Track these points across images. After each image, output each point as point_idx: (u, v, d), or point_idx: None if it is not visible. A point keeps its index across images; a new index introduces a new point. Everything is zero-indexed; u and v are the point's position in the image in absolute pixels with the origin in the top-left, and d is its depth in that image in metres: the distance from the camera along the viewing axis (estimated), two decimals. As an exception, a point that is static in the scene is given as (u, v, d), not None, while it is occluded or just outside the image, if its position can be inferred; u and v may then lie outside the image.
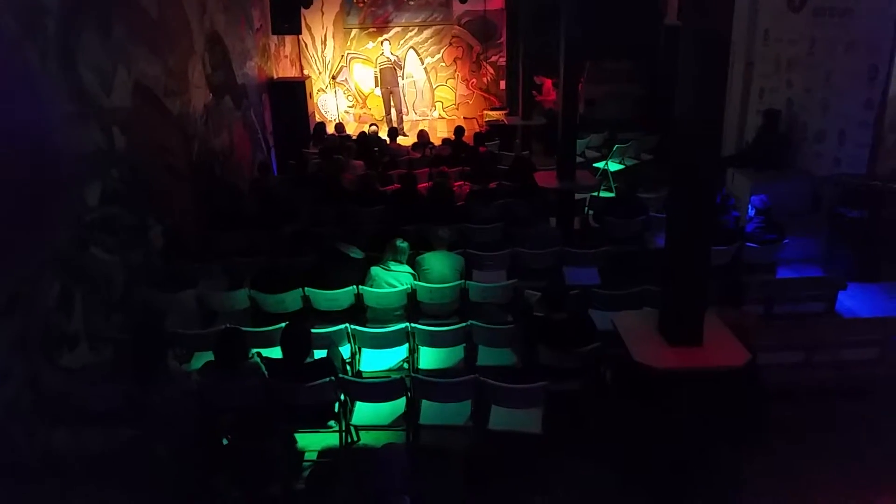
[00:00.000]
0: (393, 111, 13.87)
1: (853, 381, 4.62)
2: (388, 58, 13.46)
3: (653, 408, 4.30)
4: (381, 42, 13.71)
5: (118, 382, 4.45)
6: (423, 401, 4.47)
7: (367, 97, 14.60)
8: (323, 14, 13.89)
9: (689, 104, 4.04)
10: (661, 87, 12.16)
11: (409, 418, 4.46)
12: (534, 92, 12.72)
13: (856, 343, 4.69)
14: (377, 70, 13.67)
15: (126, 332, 5.42)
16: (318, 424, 4.52)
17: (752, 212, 6.31)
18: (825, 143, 7.97)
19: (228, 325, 4.69)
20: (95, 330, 5.23)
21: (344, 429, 4.50)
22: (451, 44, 14.30)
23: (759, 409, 4.45)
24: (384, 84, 13.62)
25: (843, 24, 7.58)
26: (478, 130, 12.60)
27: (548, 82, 12.75)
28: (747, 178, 8.08)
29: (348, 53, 14.27)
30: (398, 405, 4.49)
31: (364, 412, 4.55)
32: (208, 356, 4.66)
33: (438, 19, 14.17)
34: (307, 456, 4.61)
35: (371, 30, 14.15)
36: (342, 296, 5.53)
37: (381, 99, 13.95)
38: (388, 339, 5.09)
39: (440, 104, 14.72)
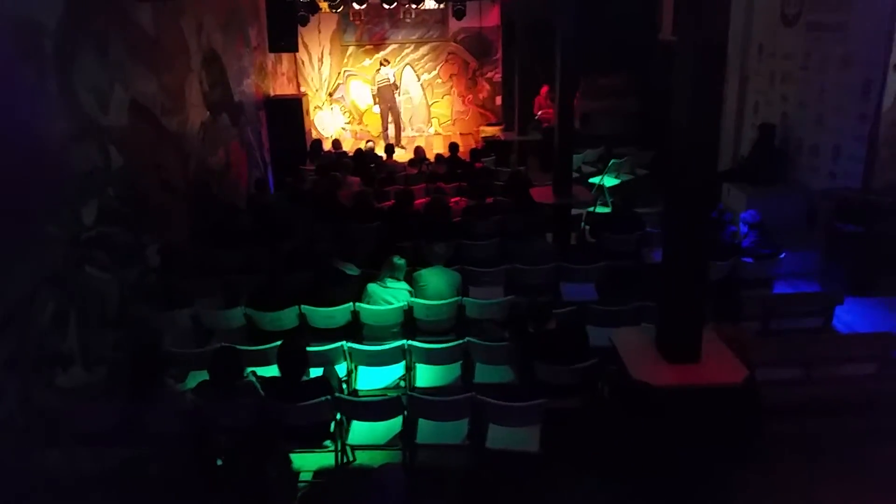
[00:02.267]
0: (391, 127, 13.95)
1: (851, 396, 4.59)
2: (386, 77, 13.60)
3: (651, 425, 4.27)
4: (381, 61, 13.82)
5: (113, 402, 4.41)
6: (420, 419, 4.44)
7: (363, 114, 14.65)
8: (320, 32, 13.98)
9: (684, 119, 4.07)
10: (656, 102, 12.21)
11: (405, 437, 4.42)
12: (535, 110, 12.72)
13: (854, 358, 4.67)
14: (374, 88, 13.79)
15: (121, 351, 5.40)
16: (314, 444, 4.48)
17: (744, 228, 6.31)
18: (820, 158, 8.00)
19: (223, 344, 4.66)
20: (90, 349, 5.20)
21: (340, 448, 4.47)
22: (447, 60, 14.39)
23: (756, 426, 4.43)
24: (383, 101, 13.75)
25: (836, 38, 7.63)
26: (474, 146, 12.64)
27: (544, 88, 12.70)
28: (743, 192, 8.10)
29: (345, 71, 14.34)
30: (395, 424, 4.45)
31: (360, 431, 4.50)
32: (203, 375, 4.63)
33: (434, 36, 14.27)
34: (302, 476, 4.57)
35: (368, 47, 14.23)
36: (338, 313, 5.51)
37: (380, 115, 14.02)
38: (385, 356, 5.06)
39: (436, 120, 14.77)
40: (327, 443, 4.44)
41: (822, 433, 4.50)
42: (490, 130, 13.71)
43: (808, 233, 7.37)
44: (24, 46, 4.78)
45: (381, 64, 13.79)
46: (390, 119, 13.94)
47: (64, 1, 5.23)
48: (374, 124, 14.56)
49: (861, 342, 4.98)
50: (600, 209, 9.22)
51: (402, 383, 5.15)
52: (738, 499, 4.20)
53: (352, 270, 5.87)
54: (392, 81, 13.64)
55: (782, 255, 6.16)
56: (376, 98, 13.90)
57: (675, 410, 4.18)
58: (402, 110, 14.31)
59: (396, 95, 13.92)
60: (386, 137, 13.83)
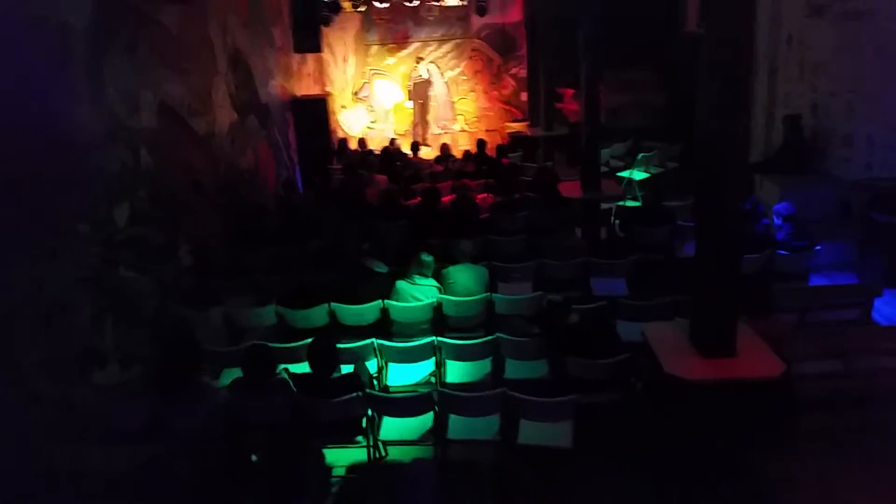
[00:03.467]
0: (421, 124, 14.11)
1: (891, 389, 4.49)
2: (420, 74, 13.94)
3: (685, 420, 4.22)
4: (417, 60, 14.06)
5: (148, 399, 4.47)
6: (451, 415, 4.44)
7: (388, 112, 14.69)
8: (343, 32, 14.03)
9: (711, 112, 4.01)
10: (683, 94, 12.07)
11: (437, 433, 4.42)
12: (556, 103, 12.70)
13: (893, 350, 4.56)
14: (410, 84, 14.08)
15: (156, 349, 5.47)
16: (346, 440, 4.50)
17: (777, 220, 6.20)
18: (854, 148, 7.83)
19: (256, 342, 4.70)
20: (125, 348, 5.28)
21: (372, 444, 4.48)
22: (471, 57, 14.35)
23: (792, 419, 4.35)
24: (416, 98, 14.02)
25: (866, 28, 7.46)
26: (500, 142, 12.59)
27: (569, 92, 12.70)
28: (776, 184, 7.96)
29: (370, 69, 14.39)
30: (426, 420, 4.45)
31: (392, 427, 4.51)
32: (237, 373, 4.68)
33: (457, 33, 14.24)
34: (335, 472, 4.59)
35: (391, 46, 14.26)
36: (368, 310, 5.53)
37: (412, 112, 14.25)
38: (415, 353, 5.07)
39: (462, 117, 14.75)
40: (359, 438, 4.46)
41: (860, 425, 4.41)
42: (516, 126, 13.65)
43: (844, 224, 7.22)
44: (53, 48, 4.86)
45: (416, 61, 14.04)
46: (423, 115, 14.09)
47: (92, 3, 5.30)
48: (399, 122, 14.60)
49: (901, 334, 4.87)
50: (630, 203, 9.12)
51: (433, 379, 5.15)
52: (773, 492, 4.12)
53: (381, 268, 5.88)
54: (426, 78, 13.87)
55: (817, 248, 6.04)
56: (411, 94, 14.13)
57: (709, 405, 4.12)
58: (429, 108, 14.40)
59: (430, 92, 14.07)
60: (416, 134, 13.93)
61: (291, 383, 4.43)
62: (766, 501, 4.09)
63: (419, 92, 14.00)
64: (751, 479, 4.16)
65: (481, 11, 11.36)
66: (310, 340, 4.71)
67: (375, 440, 4.49)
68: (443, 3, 10.50)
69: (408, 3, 9.34)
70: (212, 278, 6.40)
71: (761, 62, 9.54)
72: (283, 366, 4.67)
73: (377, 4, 9.73)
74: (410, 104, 14.24)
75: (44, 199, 4.63)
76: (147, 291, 5.78)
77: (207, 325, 5.63)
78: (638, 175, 9.90)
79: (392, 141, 11.99)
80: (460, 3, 13.06)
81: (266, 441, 4.40)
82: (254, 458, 4.38)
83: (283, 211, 8.30)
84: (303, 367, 4.67)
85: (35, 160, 4.58)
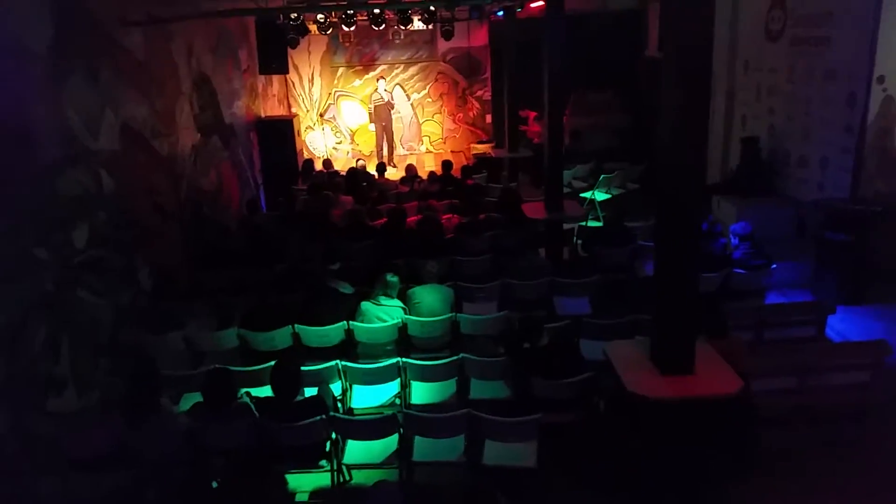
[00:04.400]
0: (385, 146, 14.05)
1: (845, 405, 4.61)
2: (381, 95, 13.79)
3: (646, 437, 4.27)
4: (377, 79, 14.01)
5: (107, 426, 4.37)
6: (416, 437, 4.42)
7: (354, 133, 14.72)
8: (310, 54, 14.08)
9: (671, 134, 4.11)
10: (644, 116, 12.34)
11: (402, 455, 4.40)
12: (521, 126, 12.88)
13: (846, 367, 4.69)
14: (371, 107, 13.96)
15: (114, 374, 5.36)
16: (310, 464, 4.45)
17: (734, 240, 6.36)
18: (808, 169, 8.08)
19: (217, 366, 4.63)
20: (83, 373, 5.16)
21: (336, 468, 4.44)
22: (436, 80, 14.51)
23: (752, 436, 4.43)
24: (378, 120, 13.89)
25: (820, 52, 7.75)
26: (465, 164, 12.70)
27: (532, 115, 12.91)
28: (733, 204, 8.16)
29: (335, 91, 14.43)
30: (391, 442, 4.43)
31: (356, 450, 4.48)
32: (197, 397, 4.60)
33: (424, 56, 14.40)
34: (298, 497, 4.53)
35: (357, 68, 14.33)
36: (332, 332, 5.50)
37: (375, 134, 14.15)
38: (380, 374, 5.05)
39: (427, 138, 14.86)
40: (323, 463, 4.41)
41: (816, 441, 4.51)
42: (481, 148, 13.79)
43: (799, 243, 7.42)
44: (12, 70, 4.80)
45: (377, 80, 13.96)
46: (385, 139, 14.03)
47: (53, 25, 5.25)
48: (365, 143, 14.62)
49: (854, 350, 5.01)
50: (592, 223, 9.25)
51: (398, 401, 5.13)
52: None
53: (346, 289, 5.86)
54: (387, 101, 13.78)
55: (773, 266, 6.20)
56: (372, 116, 14.02)
57: (670, 422, 4.18)
58: (393, 129, 14.42)
59: (393, 114, 14.05)
60: (380, 156, 13.91)
61: (253, 407, 4.38)
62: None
63: (380, 114, 13.86)
64: (712, 497, 4.22)
65: (447, 35, 11.50)
66: (273, 363, 4.66)
67: (339, 464, 4.45)
68: (410, 27, 10.62)
69: (375, 27, 9.43)
70: (172, 301, 6.30)
71: (719, 85, 9.82)
72: (244, 389, 4.61)
73: (344, 28, 9.78)
74: (373, 127, 14.20)
75: (-1, 222, 4.54)
76: (105, 315, 5.67)
77: (167, 349, 5.54)
78: (600, 196, 10.06)
79: (357, 161, 12.00)
80: (427, 28, 13.22)
81: (227, 467, 4.33)
82: (214, 484, 4.30)
83: (247, 231, 8.23)
84: (265, 391, 4.62)
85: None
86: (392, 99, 14.06)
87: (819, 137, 7.86)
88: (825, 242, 6.82)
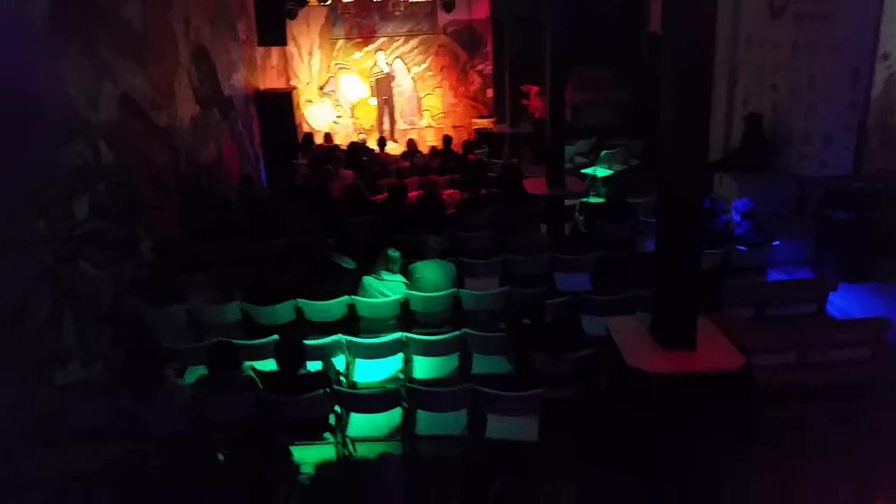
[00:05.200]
0: (386, 120, 13.99)
1: (846, 381, 4.64)
2: (381, 68, 13.68)
3: (647, 412, 4.31)
4: (375, 52, 13.88)
5: (112, 398, 4.39)
6: (419, 411, 4.45)
7: (354, 107, 14.60)
8: (308, 25, 13.89)
9: (673, 111, 4.09)
10: (645, 92, 12.25)
11: (404, 429, 4.44)
12: (522, 101, 12.79)
13: (847, 343, 4.71)
14: (372, 80, 13.90)
15: (118, 346, 5.37)
16: (314, 437, 4.48)
17: (736, 217, 6.35)
18: (810, 146, 8.05)
19: (221, 339, 4.65)
20: (87, 345, 5.18)
21: (339, 441, 4.47)
22: (437, 53, 14.34)
23: (752, 411, 4.47)
24: (380, 93, 13.82)
25: (824, 28, 7.68)
26: (467, 139, 12.63)
27: (534, 89, 12.81)
28: (735, 181, 8.14)
29: (335, 64, 14.28)
30: (394, 416, 4.46)
31: (359, 424, 4.52)
32: (201, 370, 4.62)
33: (424, 29, 14.21)
34: (303, 469, 4.57)
35: (357, 40, 14.17)
36: (334, 306, 5.51)
37: (376, 108, 14.07)
38: (382, 349, 5.07)
39: (428, 113, 14.74)
40: (327, 435, 4.45)
41: (817, 417, 4.55)
42: (482, 123, 13.70)
43: (801, 220, 7.42)
44: (10, 39, 4.73)
45: (376, 52, 13.85)
46: (386, 112, 13.94)
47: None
48: (365, 117, 14.52)
49: (855, 327, 5.03)
50: (593, 199, 9.23)
51: (401, 375, 5.15)
52: (731, 483, 4.23)
53: (348, 264, 5.86)
54: (387, 73, 13.67)
55: (775, 243, 6.20)
56: (373, 89, 13.94)
57: (670, 397, 4.21)
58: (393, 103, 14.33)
59: (394, 86, 13.94)
60: (381, 130, 13.84)
61: (258, 380, 4.40)
62: (728, 494, 4.19)
63: (382, 87, 13.82)
64: (710, 471, 4.27)
65: (448, 7, 11.37)
66: (276, 337, 4.67)
67: (343, 437, 4.48)
68: (409, -1, 10.51)
69: (374, -2, 9.33)
70: (173, 273, 6.30)
71: (722, 61, 9.73)
72: (248, 363, 4.63)
73: (343, -1, 9.69)
74: (374, 101, 14.13)
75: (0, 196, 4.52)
76: (107, 287, 5.67)
77: (170, 321, 5.55)
78: (601, 172, 10.02)
79: (358, 135, 11.92)
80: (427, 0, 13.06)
81: (232, 439, 4.36)
82: (220, 456, 4.34)
83: (247, 205, 8.20)
84: (269, 364, 4.64)
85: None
86: (392, 71, 13.96)
87: (822, 114, 7.81)
88: (826, 220, 6.81)
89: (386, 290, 5.59)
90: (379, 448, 4.57)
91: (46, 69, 5.13)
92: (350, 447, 4.59)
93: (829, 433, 4.45)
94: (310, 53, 14.17)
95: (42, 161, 5.03)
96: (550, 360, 4.56)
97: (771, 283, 6.08)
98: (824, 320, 5.41)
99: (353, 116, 14.66)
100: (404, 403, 4.40)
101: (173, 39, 7.88)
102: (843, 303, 5.92)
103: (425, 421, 4.42)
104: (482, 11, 13.92)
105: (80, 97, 5.59)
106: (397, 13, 13.78)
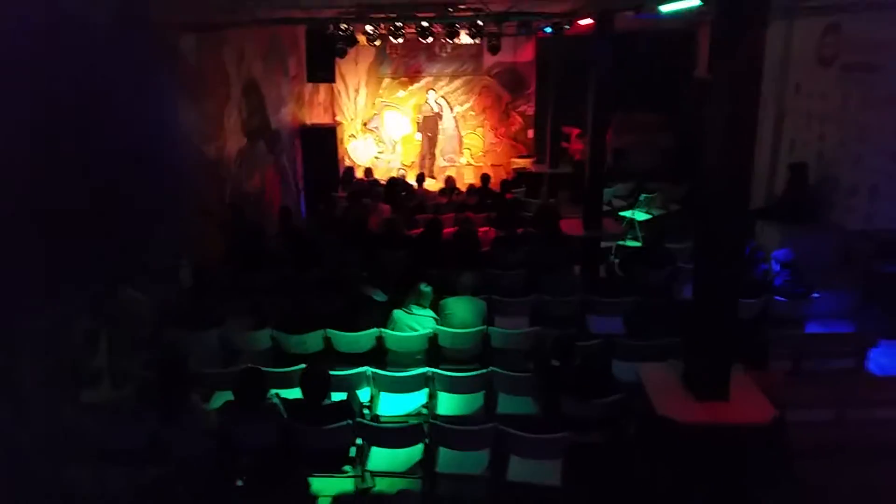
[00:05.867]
0: (428, 157, 14.24)
1: (885, 440, 4.44)
2: (430, 106, 14.07)
3: (676, 463, 4.19)
4: (427, 91, 14.29)
5: (140, 420, 4.46)
6: (441, 448, 4.41)
7: (396, 143, 14.85)
8: (357, 63, 14.26)
9: (717, 156, 4.06)
10: (690, 137, 12.18)
11: (425, 466, 4.39)
12: (562, 143, 12.84)
13: (888, 402, 4.53)
14: (420, 116, 14.22)
15: (150, 369, 5.47)
16: (333, 468, 4.47)
17: (776, 266, 6.22)
18: (857, 198, 7.87)
19: (249, 365, 4.70)
20: (119, 367, 5.28)
21: (359, 474, 4.45)
22: (480, 93, 14.55)
23: (784, 467, 4.31)
24: (425, 130, 14.17)
25: (873, 79, 7.56)
26: (505, 178, 12.70)
27: (575, 132, 12.86)
28: (776, 230, 7.98)
29: (381, 101, 14.59)
30: (415, 452, 4.43)
31: (380, 458, 4.49)
32: (228, 395, 4.67)
33: (469, 70, 14.46)
34: (320, 501, 4.55)
35: (403, 79, 14.48)
36: (363, 338, 5.54)
37: (419, 145, 14.37)
38: (408, 383, 5.06)
39: (468, 151, 14.90)
40: (347, 468, 4.43)
41: (853, 477, 4.35)
42: (521, 162, 13.77)
43: (843, 273, 7.21)
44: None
45: (427, 91, 14.25)
46: (429, 149, 14.24)
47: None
48: (407, 153, 14.75)
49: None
50: (630, 243, 9.15)
51: (425, 410, 5.13)
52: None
53: (379, 297, 5.90)
54: (436, 112, 14.04)
55: (815, 295, 6.04)
56: (420, 126, 14.27)
57: (701, 449, 4.10)
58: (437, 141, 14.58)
59: (440, 125, 14.24)
60: (422, 166, 14.06)
61: (282, 408, 4.43)
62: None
63: (428, 125, 14.15)
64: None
65: (494, 50, 11.54)
66: (303, 366, 4.70)
67: (363, 470, 4.46)
68: (457, 41, 10.69)
69: (423, 40, 9.53)
70: (211, 299, 6.42)
71: (768, 108, 9.64)
72: (274, 390, 4.66)
73: (392, 40, 9.91)
74: (419, 136, 14.41)
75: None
76: (147, 311, 5.80)
77: (203, 346, 5.64)
78: (640, 216, 9.95)
79: (398, 171, 12.10)
80: (474, 42, 13.28)
81: (252, 466, 4.38)
82: (239, 482, 4.36)
83: (286, 235, 8.35)
84: (294, 393, 4.67)
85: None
86: (441, 110, 14.27)
87: (870, 165, 7.65)
88: (874, 273, 6.62)
89: (415, 324, 5.60)
90: (398, 484, 4.53)
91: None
92: (369, 481, 4.56)
93: (866, 493, 4.24)
94: (356, 90, 14.52)
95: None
96: (578, 403, 4.49)
97: (808, 336, 5.90)
98: (863, 376, 5.22)
99: (394, 152, 14.92)
100: (427, 439, 4.36)
101: (226, 74, 8.17)
102: (884, 360, 5.71)
103: (446, 459, 4.37)
104: (527, 54, 14.11)
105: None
106: (444, 54, 14.04)
